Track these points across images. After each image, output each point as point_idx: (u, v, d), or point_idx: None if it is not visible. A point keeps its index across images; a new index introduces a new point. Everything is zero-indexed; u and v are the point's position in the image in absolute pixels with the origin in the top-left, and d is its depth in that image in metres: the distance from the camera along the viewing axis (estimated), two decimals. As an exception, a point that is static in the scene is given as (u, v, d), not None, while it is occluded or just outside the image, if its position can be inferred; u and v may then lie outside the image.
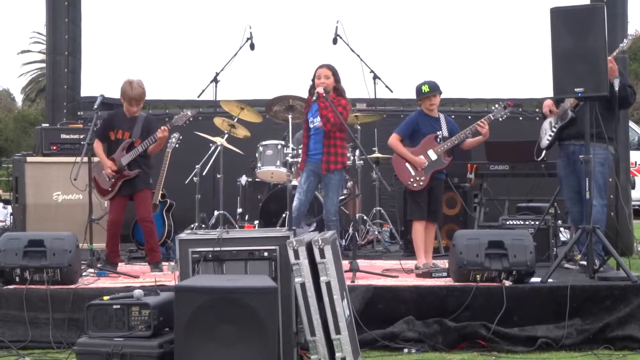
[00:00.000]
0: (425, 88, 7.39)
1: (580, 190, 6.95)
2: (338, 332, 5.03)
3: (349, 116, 7.88)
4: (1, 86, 46.04)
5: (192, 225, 8.68)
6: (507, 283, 6.17)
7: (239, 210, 9.16)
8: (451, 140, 7.32)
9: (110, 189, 7.49)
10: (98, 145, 7.51)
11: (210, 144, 8.93)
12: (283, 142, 8.71)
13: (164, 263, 7.54)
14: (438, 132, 7.36)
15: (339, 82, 7.20)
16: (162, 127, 7.30)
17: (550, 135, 7.31)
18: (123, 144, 7.41)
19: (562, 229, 8.70)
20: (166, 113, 10.78)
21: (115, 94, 9.77)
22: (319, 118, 7.15)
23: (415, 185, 7.28)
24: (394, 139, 7.44)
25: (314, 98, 7.06)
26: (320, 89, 7.03)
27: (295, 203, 7.19)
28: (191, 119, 7.65)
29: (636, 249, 9.05)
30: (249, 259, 5.27)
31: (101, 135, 7.52)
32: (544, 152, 7.62)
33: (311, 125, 7.28)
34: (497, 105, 7.44)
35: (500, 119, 7.46)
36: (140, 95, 7.43)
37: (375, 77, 9.34)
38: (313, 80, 7.21)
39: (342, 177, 7.40)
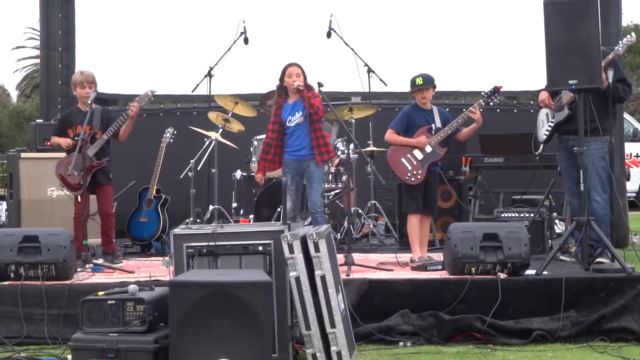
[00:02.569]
0: (419, 80, 7.33)
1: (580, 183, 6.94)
2: (333, 325, 5.04)
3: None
4: (-4, 82, 46.00)
5: (187, 220, 8.67)
6: (502, 275, 6.16)
7: (234, 204, 9.16)
8: (444, 131, 7.26)
9: (81, 182, 7.26)
10: (55, 138, 7.48)
11: (205, 139, 8.93)
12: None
13: (158, 258, 7.52)
14: (431, 125, 7.33)
15: (306, 79, 7.34)
16: (133, 104, 7.25)
17: (547, 130, 7.29)
18: (86, 137, 7.19)
19: (557, 221, 8.70)
20: (160, 108, 10.77)
21: (109, 89, 9.81)
22: (297, 114, 7.31)
23: (413, 179, 7.24)
24: (389, 134, 7.42)
25: (299, 89, 7.17)
26: (300, 83, 7.21)
27: (289, 205, 7.21)
28: (152, 97, 7.58)
29: (631, 241, 9.05)
30: (243, 253, 5.27)
31: (59, 134, 7.47)
32: (542, 146, 7.61)
33: (290, 124, 7.35)
34: (486, 91, 7.37)
35: (491, 103, 7.44)
36: (91, 76, 7.39)
37: (370, 70, 9.33)
38: (281, 79, 7.34)
39: (324, 168, 7.58)
